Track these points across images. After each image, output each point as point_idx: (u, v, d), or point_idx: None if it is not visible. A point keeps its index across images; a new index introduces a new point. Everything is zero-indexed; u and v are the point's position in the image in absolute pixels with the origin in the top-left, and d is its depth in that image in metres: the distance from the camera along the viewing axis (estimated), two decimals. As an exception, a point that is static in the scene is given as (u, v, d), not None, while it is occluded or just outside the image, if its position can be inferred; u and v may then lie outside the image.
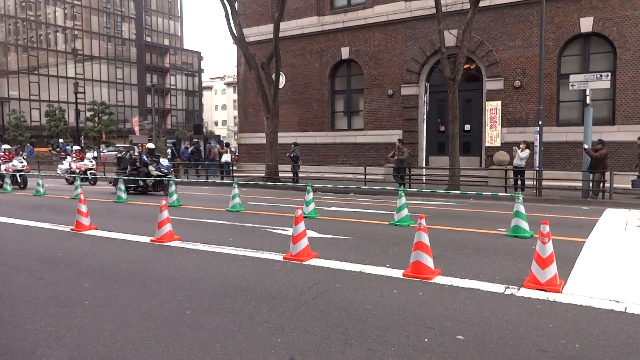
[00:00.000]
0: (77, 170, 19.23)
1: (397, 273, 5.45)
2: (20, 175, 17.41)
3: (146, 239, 7.52)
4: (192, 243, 7.23)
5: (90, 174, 19.29)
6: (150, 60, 74.22)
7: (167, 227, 7.39)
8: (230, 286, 5.01)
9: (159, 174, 14.89)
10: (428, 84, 18.68)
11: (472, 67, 20.20)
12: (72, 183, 19.47)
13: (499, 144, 19.10)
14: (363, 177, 18.23)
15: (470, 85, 20.56)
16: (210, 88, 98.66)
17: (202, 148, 23.77)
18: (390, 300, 4.55)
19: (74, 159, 20.11)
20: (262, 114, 20.54)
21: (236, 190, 11.35)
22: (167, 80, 76.41)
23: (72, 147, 25.51)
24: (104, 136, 34.74)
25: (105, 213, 10.84)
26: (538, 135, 14.38)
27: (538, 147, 14.41)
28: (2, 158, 18.34)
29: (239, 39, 20.60)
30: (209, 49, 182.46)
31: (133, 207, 12.21)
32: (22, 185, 17.27)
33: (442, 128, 20.99)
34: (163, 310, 4.30)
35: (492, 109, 19.29)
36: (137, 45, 71.41)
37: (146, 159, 15.15)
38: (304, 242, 6.11)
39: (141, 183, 15.07)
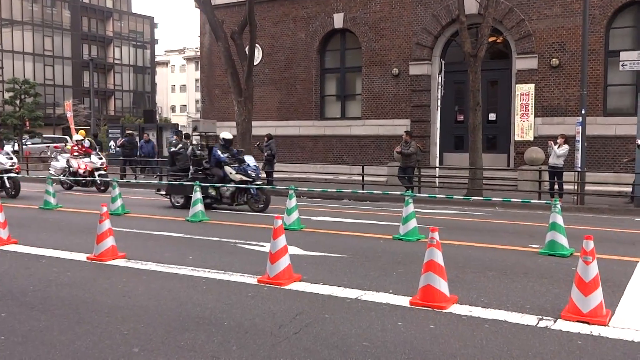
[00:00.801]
0: (81, 171, 17.64)
1: (403, 300, 5.47)
2: (8, 178, 15.57)
3: (82, 257, 7.47)
4: (142, 262, 7.21)
5: (100, 175, 17.54)
6: (89, 28, 73.65)
7: (109, 242, 7.35)
8: (190, 317, 5.00)
9: (244, 178, 12.69)
10: (443, 62, 18.81)
11: (498, 40, 20.39)
12: (70, 188, 18.16)
13: (532, 138, 19.30)
14: (360, 178, 18.29)
15: (496, 63, 20.73)
16: (165, 64, 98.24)
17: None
18: (393, 335, 4.57)
19: (76, 154, 18.28)
20: (232, 98, 20.50)
21: (198, 195, 11.34)
22: (110, 52, 75.90)
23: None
24: (27, 124, 34.36)
25: (29, 223, 10.75)
26: (580, 128, 14.55)
27: (580, 143, 14.58)
28: None
29: (202, 2, 20.54)
30: (165, 14, 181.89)
31: (63, 214, 12.12)
32: (12, 192, 15.59)
33: (461, 117, 21.15)
34: (102, 347, 4.27)
35: (524, 93, 19.49)
36: (72, 7, 70.85)
37: (221, 155, 12.95)
38: (284, 261, 6.11)
39: (212, 192, 12.86)
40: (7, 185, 15.49)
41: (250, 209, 12.78)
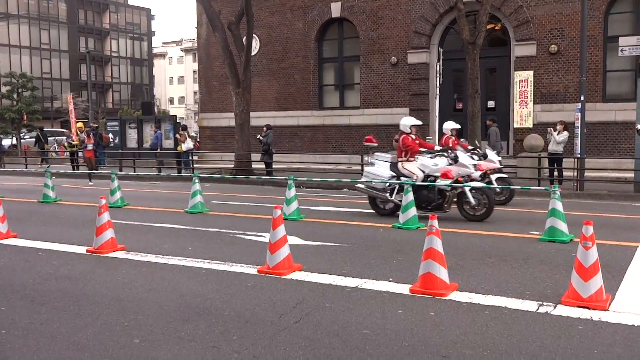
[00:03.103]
0: (476, 174, 10.66)
1: (403, 288, 5.48)
2: (472, 189, 9.79)
3: (81, 249, 7.47)
4: (141, 254, 7.21)
5: (498, 180, 11.80)
6: (85, 20, 73.30)
7: (109, 234, 7.35)
8: (191, 308, 5.00)
9: None
10: (441, 50, 18.75)
11: (497, 27, 20.30)
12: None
13: (531, 125, 19.26)
14: (360, 168, 18.27)
15: (494, 50, 20.65)
16: (163, 55, 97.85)
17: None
18: (394, 322, 4.58)
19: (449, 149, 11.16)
20: (230, 89, 20.44)
21: (197, 186, 11.32)
22: (107, 45, 75.58)
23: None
24: (25, 118, 34.32)
25: (29, 216, 10.75)
26: (579, 114, 14.51)
27: (579, 129, 14.55)
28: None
29: (199, -8, 20.44)
30: (162, 5, 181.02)
31: (62, 207, 12.12)
32: (480, 211, 9.73)
33: (460, 105, 21.10)
34: (103, 339, 4.28)
35: (522, 80, 19.43)
36: (68, 1, 70.48)
37: None
38: (284, 251, 6.12)
39: None
40: (472, 200, 9.68)
41: None
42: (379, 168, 10.60)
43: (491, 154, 11.83)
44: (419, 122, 10.80)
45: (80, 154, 23.74)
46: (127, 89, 77.40)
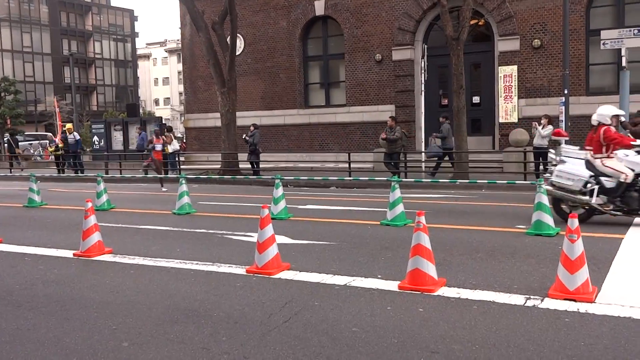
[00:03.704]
0: None
1: (392, 285, 5.50)
2: None
3: (68, 253, 7.42)
4: (129, 256, 7.17)
5: None
6: (68, 22, 72.67)
7: (95, 237, 7.30)
8: (179, 309, 4.99)
9: None
10: (425, 46, 18.79)
11: (480, 23, 20.40)
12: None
13: (516, 120, 19.39)
14: (347, 165, 18.31)
15: (478, 46, 20.74)
16: (147, 57, 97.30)
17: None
18: (383, 319, 4.59)
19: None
20: (216, 89, 20.37)
21: (184, 187, 11.28)
22: (91, 47, 74.99)
23: None
24: (8, 122, 33.98)
25: (14, 221, 10.64)
26: (563, 108, 14.64)
27: (564, 122, 14.67)
28: None
29: (182, -8, 20.33)
30: (144, 6, 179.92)
31: (49, 212, 12.01)
32: None
33: (445, 101, 21.18)
34: (92, 343, 4.25)
35: (507, 75, 19.54)
36: (49, 2, 69.81)
37: None
38: (272, 251, 6.11)
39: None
40: None
41: None
42: (573, 166, 8.86)
43: None
44: (621, 112, 9.14)
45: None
46: (112, 91, 76.89)
